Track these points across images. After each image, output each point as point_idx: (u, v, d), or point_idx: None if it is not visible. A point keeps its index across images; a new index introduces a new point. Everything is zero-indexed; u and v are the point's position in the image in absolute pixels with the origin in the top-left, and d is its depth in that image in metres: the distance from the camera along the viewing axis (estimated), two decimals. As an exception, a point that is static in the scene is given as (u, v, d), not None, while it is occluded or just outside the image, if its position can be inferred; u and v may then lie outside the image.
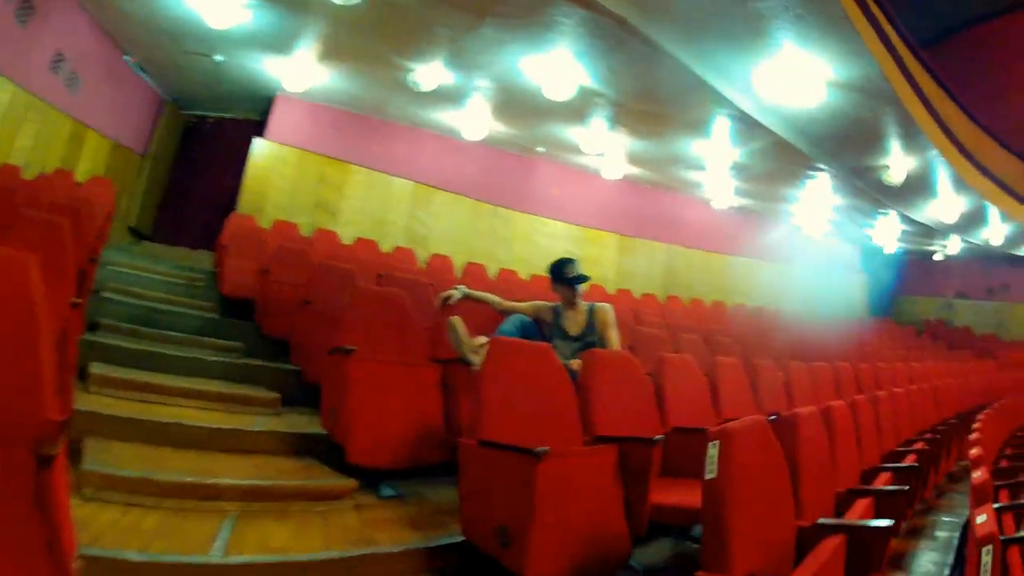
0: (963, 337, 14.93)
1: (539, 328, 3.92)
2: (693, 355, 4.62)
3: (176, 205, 10.43)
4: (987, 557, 1.91)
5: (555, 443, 2.53)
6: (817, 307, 13.14)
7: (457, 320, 3.48)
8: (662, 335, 6.15)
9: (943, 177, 9.56)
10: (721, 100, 7.59)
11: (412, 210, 10.64)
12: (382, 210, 10.41)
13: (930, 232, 12.91)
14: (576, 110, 8.67)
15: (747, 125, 8.29)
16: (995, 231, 12.47)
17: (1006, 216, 11.46)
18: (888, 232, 12.65)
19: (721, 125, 8.62)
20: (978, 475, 2.47)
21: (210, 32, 7.29)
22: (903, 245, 14.07)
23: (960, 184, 9.76)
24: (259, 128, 9.93)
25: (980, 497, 2.30)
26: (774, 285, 14.00)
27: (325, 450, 3.43)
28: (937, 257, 15.19)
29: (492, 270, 10.25)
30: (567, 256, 4.03)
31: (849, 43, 6.16)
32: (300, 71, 8.49)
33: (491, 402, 2.68)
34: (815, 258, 13.93)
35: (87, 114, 8.04)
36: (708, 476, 1.81)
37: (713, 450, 1.80)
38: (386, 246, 9.78)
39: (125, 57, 8.72)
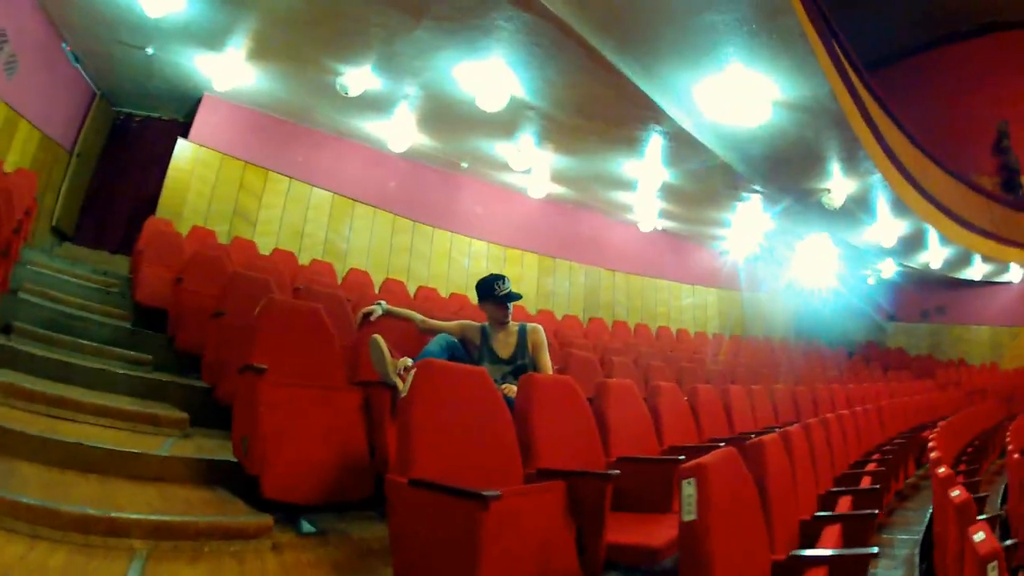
0: (898, 358, 15.26)
1: (466, 350, 3.62)
2: (626, 379, 4.42)
3: (100, 206, 9.74)
4: (993, 573, 1.82)
5: (495, 479, 2.27)
6: (747, 330, 13.25)
7: (380, 339, 3.17)
8: (593, 358, 5.96)
9: (883, 201, 9.71)
10: (659, 116, 7.52)
11: (332, 223, 10.26)
12: (301, 221, 9.99)
13: (864, 256, 13.17)
14: (504, 123, 8.48)
15: (683, 143, 8.24)
16: (935, 255, 12.83)
17: (945, 239, 11.76)
18: (823, 257, 12.84)
19: (655, 143, 8.54)
20: (957, 494, 2.35)
21: (145, 21, 6.93)
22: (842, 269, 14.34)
23: (901, 207, 9.93)
24: (185, 130, 9.44)
25: (965, 517, 2.18)
26: (699, 309, 14.11)
27: (237, 479, 3.06)
28: (870, 281, 15.50)
29: (411, 287, 9.97)
30: (495, 273, 3.76)
31: (801, 61, 6.13)
32: (229, 68, 8.09)
33: (421, 434, 2.34)
34: (742, 281, 14.09)
35: (21, 102, 7.40)
36: (687, 518, 1.55)
37: (690, 488, 1.55)
38: (304, 259, 9.37)
39: (64, 45, 8.12)
